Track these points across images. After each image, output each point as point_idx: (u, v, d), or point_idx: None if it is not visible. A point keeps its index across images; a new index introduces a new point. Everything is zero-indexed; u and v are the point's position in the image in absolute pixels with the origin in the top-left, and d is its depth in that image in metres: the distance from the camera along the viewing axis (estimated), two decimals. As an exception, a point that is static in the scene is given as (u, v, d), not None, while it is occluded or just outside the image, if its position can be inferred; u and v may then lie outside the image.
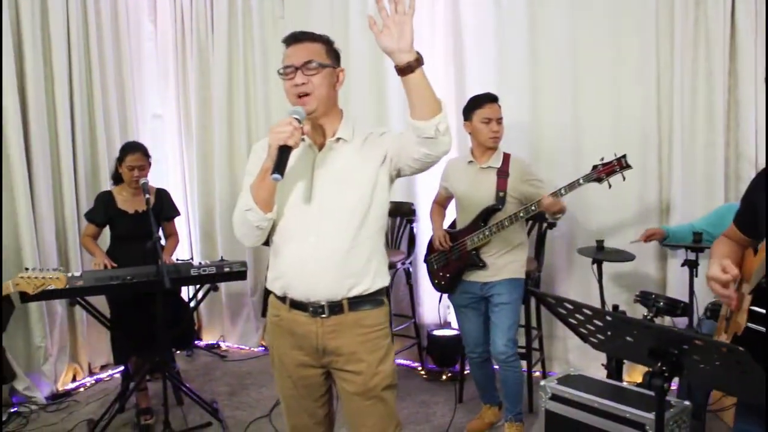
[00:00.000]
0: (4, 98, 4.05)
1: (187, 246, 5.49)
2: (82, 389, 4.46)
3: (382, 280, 2.14)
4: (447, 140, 1.87)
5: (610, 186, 3.12)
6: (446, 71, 4.46)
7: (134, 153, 3.78)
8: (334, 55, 2.11)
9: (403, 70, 1.79)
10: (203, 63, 5.29)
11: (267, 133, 5.24)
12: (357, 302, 2.08)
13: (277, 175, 1.85)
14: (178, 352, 4.73)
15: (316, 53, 2.03)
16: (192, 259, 5.19)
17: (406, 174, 2.10)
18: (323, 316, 2.07)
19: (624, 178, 3.12)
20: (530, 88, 4.25)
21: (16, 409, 4.03)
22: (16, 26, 4.17)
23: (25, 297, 3.04)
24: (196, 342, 5.28)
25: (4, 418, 3.88)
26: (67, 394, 4.34)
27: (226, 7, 5.12)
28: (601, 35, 4.04)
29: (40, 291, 2.89)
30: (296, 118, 1.94)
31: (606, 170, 3.09)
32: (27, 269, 2.89)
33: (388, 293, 2.23)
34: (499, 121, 3.31)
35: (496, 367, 3.45)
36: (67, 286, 3.22)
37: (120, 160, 3.82)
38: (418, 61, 1.79)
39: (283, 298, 2.15)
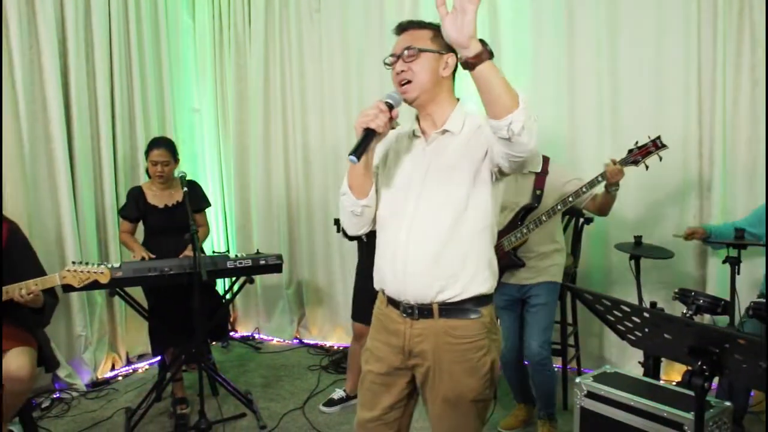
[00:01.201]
0: (48, 94, 4.13)
1: (223, 239, 5.55)
2: (120, 378, 4.54)
3: (480, 286, 1.96)
4: (524, 140, 1.66)
5: (647, 167, 3.10)
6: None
7: (158, 148, 3.81)
8: (443, 42, 1.87)
9: (464, 65, 1.66)
10: (240, 57, 5.34)
11: (302, 128, 5.27)
12: (449, 310, 1.95)
13: (352, 157, 1.81)
14: (214, 343, 4.77)
15: (418, 39, 1.94)
16: (228, 252, 5.23)
17: (506, 172, 1.88)
18: (413, 317, 1.98)
19: (660, 159, 3.09)
20: (567, 82, 4.18)
21: (58, 395, 4.11)
22: (61, 23, 4.25)
23: (67, 287, 3.10)
24: (231, 334, 5.36)
25: (47, 404, 3.97)
26: (106, 382, 4.42)
27: (263, 1, 5.15)
28: (641, 28, 3.94)
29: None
30: (387, 102, 1.87)
31: (642, 152, 3.06)
32: (74, 263, 2.94)
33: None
34: None
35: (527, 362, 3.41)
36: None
37: (146, 154, 3.86)
38: (479, 57, 1.62)
39: (383, 291, 2.09)
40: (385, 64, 1.99)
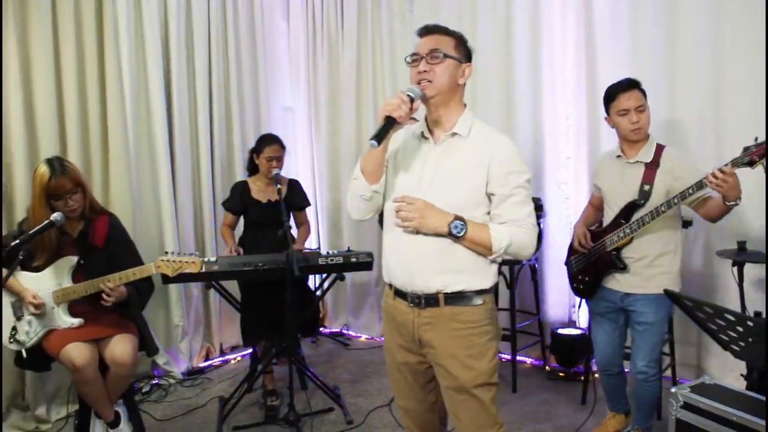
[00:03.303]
0: (152, 94, 4.35)
1: (314, 235, 5.64)
2: (213, 368, 4.72)
3: (485, 281, 2.11)
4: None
5: (766, 170, 2.63)
6: (577, 65, 4.29)
7: (272, 144, 3.89)
8: (464, 51, 2.10)
9: None
10: (333, 57, 5.43)
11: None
12: (453, 297, 2.07)
13: (373, 142, 1.93)
14: (303, 338, 4.86)
15: (444, 44, 2.04)
16: (319, 248, 5.32)
17: None
18: (420, 307, 2.09)
19: None
20: (667, 82, 3.95)
21: (157, 381, 4.33)
22: (164, 27, 4.46)
23: (165, 279, 3.25)
24: (320, 329, 5.45)
25: (146, 389, 4.20)
26: (201, 371, 4.61)
27: (356, 2, 5.22)
28: (747, 24, 3.67)
29: (178, 274, 3.05)
30: (408, 95, 1.96)
31: (759, 151, 2.60)
32: (167, 253, 3.06)
33: (497, 291, 2.18)
34: (640, 109, 2.93)
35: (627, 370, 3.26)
36: (203, 270, 3.39)
37: (257, 151, 3.94)
38: (454, 237, 1.97)
39: (390, 285, 2.20)
40: (407, 62, 2.09)
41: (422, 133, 2.16)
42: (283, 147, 3.93)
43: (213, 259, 3.57)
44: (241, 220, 4.09)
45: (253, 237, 3.95)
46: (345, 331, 5.53)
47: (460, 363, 2.08)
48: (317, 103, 5.56)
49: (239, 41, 4.97)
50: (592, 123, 4.21)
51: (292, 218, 4.03)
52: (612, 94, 3.03)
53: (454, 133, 2.09)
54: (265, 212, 3.91)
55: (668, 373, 3.82)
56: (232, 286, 4.03)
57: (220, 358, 4.87)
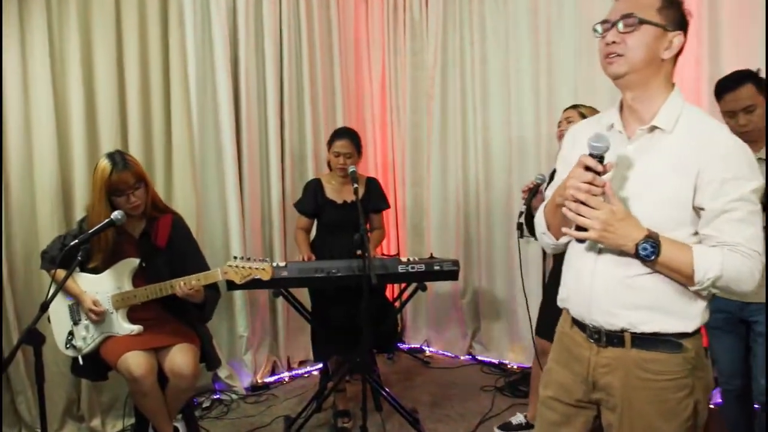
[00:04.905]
0: (219, 84, 4.40)
1: (394, 240, 5.61)
2: (280, 383, 4.72)
3: (687, 323, 1.77)
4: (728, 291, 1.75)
5: None
6: (698, 48, 4.08)
7: (341, 139, 3.85)
8: (673, 16, 1.75)
9: None
10: (416, 41, 5.40)
11: (483, 121, 5.05)
12: (643, 339, 1.77)
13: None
14: (379, 354, 4.82)
15: (643, 7, 1.72)
16: (398, 254, 5.27)
17: None
18: (600, 344, 1.84)
19: None
20: None
21: (218, 396, 4.36)
22: (232, 13, 4.51)
23: (231, 285, 3.25)
24: (398, 345, 5.39)
25: (207, 404, 4.23)
26: (266, 386, 4.62)
27: (443, -20, 5.15)
28: None
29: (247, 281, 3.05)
30: (597, 157, 1.69)
31: None
32: (235, 258, 3.04)
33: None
34: (750, 109, 2.80)
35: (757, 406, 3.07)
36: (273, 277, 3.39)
37: (329, 145, 3.93)
38: (643, 260, 1.69)
39: (567, 310, 1.98)
40: (595, 32, 1.79)
41: (613, 124, 1.85)
42: (355, 143, 3.88)
43: (282, 264, 3.56)
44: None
45: (324, 241, 3.93)
46: (425, 348, 5.46)
47: (642, 420, 1.79)
48: (397, 92, 5.53)
49: (312, 26, 4.97)
50: (715, 112, 3.99)
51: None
52: (718, 92, 2.91)
53: (654, 127, 1.77)
54: (340, 214, 3.88)
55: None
56: (303, 295, 4.02)
57: (288, 373, 4.88)
